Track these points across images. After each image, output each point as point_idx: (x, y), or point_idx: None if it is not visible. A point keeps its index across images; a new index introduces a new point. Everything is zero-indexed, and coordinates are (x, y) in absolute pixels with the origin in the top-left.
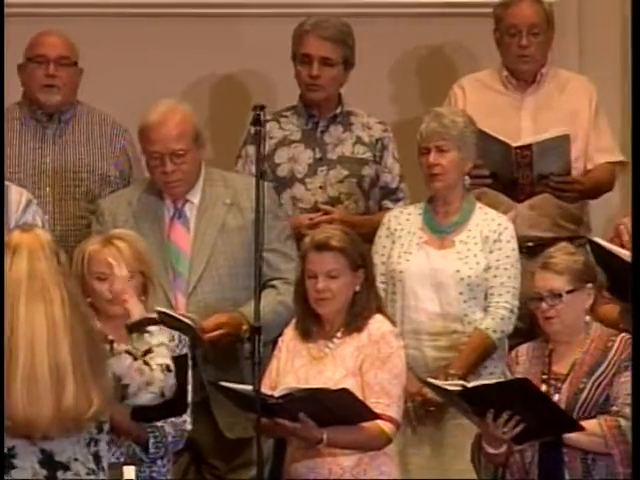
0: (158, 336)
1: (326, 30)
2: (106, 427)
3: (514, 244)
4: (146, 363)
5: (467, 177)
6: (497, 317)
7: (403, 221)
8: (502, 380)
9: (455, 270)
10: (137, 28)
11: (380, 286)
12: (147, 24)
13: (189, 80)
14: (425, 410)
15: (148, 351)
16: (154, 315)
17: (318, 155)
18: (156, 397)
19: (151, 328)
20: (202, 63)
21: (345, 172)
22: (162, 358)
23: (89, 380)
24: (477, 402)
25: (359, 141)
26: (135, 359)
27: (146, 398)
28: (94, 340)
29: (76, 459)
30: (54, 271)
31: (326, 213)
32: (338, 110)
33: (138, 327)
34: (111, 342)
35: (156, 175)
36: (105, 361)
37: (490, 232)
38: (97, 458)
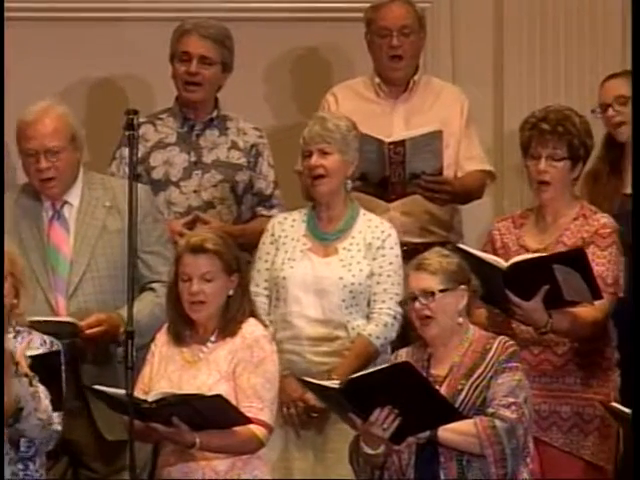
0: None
1: (206, 30)
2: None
3: (397, 251)
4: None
5: (349, 182)
6: (380, 323)
7: (287, 227)
8: (385, 366)
9: (338, 277)
10: (13, 31)
11: (263, 292)
12: (23, 27)
13: (65, 84)
14: (308, 416)
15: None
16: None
17: (193, 159)
18: (40, 426)
19: None
20: (78, 67)
21: (219, 177)
22: (44, 392)
23: None
24: (358, 397)
25: (234, 146)
26: (31, 385)
27: (33, 424)
28: None
29: None
30: None
31: (203, 222)
32: (214, 114)
33: None
34: (17, 363)
35: (31, 173)
36: None
37: (373, 239)
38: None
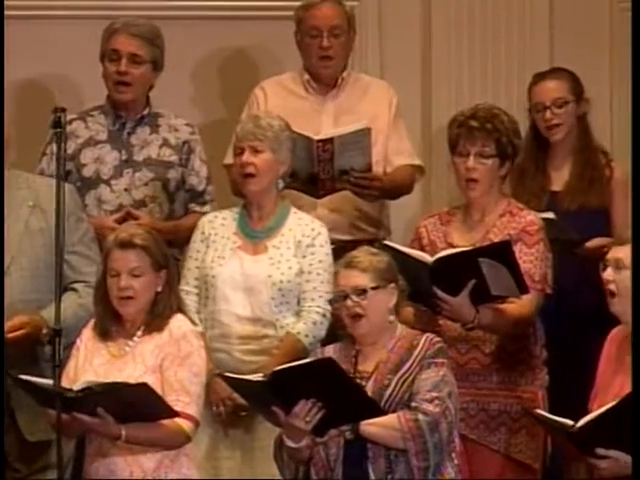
0: None
1: (136, 28)
2: None
3: (327, 249)
4: None
5: (281, 181)
6: (309, 321)
7: (218, 226)
8: (308, 360)
9: (267, 275)
10: None
11: (193, 291)
12: None
13: None
14: (236, 415)
15: None
16: None
17: (124, 157)
18: None
19: None
20: (6, 67)
21: (151, 174)
22: None
23: None
24: (282, 389)
25: (166, 143)
26: None
27: None
28: None
29: None
30: None
31: (133, 218)
32: (145, 111)
33: None
34: None
35: None
36: None
37: (303, 237)
38: None
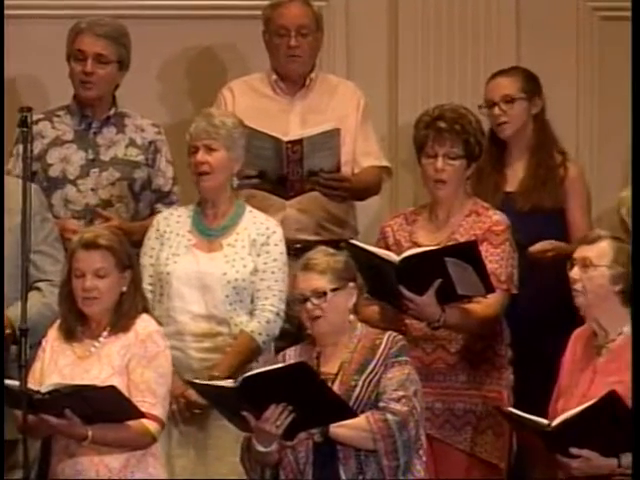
0: None
1: (101, 28)
2: None
3: (282, 248)
4: None
5: (235, 179)
6: (263, 320)
7: (172, 223)
8: (280, 365)
9: (222, 273)
10: None
11: (148, 287)
12: None
13: None
14: (190, 412)
15: None
16: None
17: (91, 156)
18: None
19: None
20: None
21: (117, 174)
22: None
23: None
24: (253, 395)
25: (132, 143)
26: None
27: None
28: None
29: None
30: None
31: (105, 219)
32: (112, 111)
33: None
34: None
35: None
36: None
37: (258, 235)
38: None
